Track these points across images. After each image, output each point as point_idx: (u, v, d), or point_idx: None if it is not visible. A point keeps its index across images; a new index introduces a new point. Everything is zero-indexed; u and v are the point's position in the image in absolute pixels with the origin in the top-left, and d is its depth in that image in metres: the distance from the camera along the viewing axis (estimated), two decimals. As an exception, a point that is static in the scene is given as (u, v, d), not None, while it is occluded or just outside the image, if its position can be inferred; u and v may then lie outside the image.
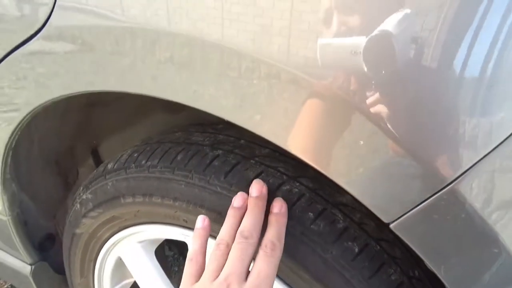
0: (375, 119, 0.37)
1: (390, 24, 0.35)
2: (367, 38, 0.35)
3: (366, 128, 0.38)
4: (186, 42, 0.45)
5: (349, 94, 0.38)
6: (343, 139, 0.40)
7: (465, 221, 0.36)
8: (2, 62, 0.63)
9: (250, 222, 0.50)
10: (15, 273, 0.96)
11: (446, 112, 0.36)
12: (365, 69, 0.36)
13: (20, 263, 0.93)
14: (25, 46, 0.58)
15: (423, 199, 0.37)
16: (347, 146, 0.40)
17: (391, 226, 0.39)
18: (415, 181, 0.37)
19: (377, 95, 0.37)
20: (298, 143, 0.42)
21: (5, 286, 1.41)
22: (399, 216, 0.39)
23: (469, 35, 0.34)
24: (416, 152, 0.37)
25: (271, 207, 0.52)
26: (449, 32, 0.34)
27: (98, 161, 1.05)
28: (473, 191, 0.36)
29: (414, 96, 0.36)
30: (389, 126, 0.37)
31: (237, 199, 0.53)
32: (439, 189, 0.36)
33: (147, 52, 0.48)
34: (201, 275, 0.51)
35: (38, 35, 0.55)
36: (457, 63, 0.35)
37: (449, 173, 0.36)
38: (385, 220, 0.40)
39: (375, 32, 0.35)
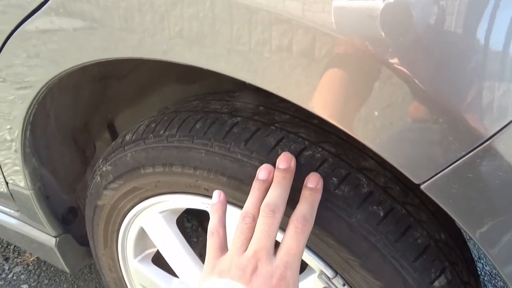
0: (402, 77, 0.36)
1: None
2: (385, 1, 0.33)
3: (394, 86, 0.36)
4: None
5: (371, 53, 0.36)
6: (370, 100, 0.38)
7: (502, 179, 0.35)
8: (10, 38, 0.62)
9: (277, 194, 0.49)
10: (41, 245, 0.99)
11: (479, 67, 0.34)
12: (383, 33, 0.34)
13: (45, 236, 0.96)
14: (31, 19, 0.56)
15: (457, 158, 0.35)
16: (375, 106, 0.38)
17: (422, 187, 0.38)
18: (448, 139, 0.35)
19: (401, 52, 0.35)
20: (324, 105, 0.41)
21: (31, 259, 1.46)
22: (430, 176, 0.37)
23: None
24: (450, 108, 0.35)
25: (305, 181, 0.51)
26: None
27: (114, 135, 1.05)
28: (511, 149, 0.35)
29: (443, 52, 0.34)
30: (418, 82, 0.35)
31: (262, 171, 0.52)
32: (474, 146, 0.34)
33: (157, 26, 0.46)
34: (224, 247, 0.51)
35: (44, 7, 0.53)
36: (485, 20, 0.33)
37: (485, 129, 0.34)
38: (416, 181, 0.38)
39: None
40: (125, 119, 1.06)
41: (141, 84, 0.98)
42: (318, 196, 0.50)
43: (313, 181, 0.50)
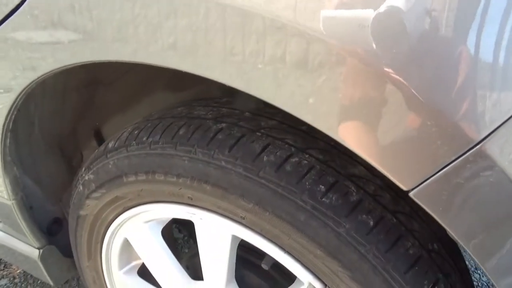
0: (390, 82, 0.34)
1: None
2: (376, 11, 0.32)
3: (384, 92, 0.34)
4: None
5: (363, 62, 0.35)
6: (358, 106, 0.36)
7: (493, 185, 0.33)
8: None
9: None
10: (25, 258, 0.95)
11: (469, 72, 0.33)
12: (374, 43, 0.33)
13: (29, 248, 0.93)
14: (7, 21, 0.54)
15: (447, 163, 0.34)
16: (362, 112, 0.36)
17: (411, 194, 0.36)
18: (438, 144, 0.34)
19: (394, 61, 0.33)
20: (314, 113, 0.39)
21: (18, 271, 1.42)
22: (419, 182, 0.35)
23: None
24: (439, 111, 0.33)
25: None
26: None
27: (101, 143, 1.03)
28: (502, 153, 0.33)
29: (431, 59, 0.33)
30: (407, 87, 0.34)
31: None
32: (464, 150, 0.33)
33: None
34: None
35: (21, 8, 0.52)
36: (473, 29, 0.32)
37: (476, 133, 0.32)
38: (404, 187, 0.36)
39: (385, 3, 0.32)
40: (112, 127, 1.03)
41: (129, 91, 0.96)
42: None
43: None
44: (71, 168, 1.01)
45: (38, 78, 0.58)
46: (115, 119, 1.01)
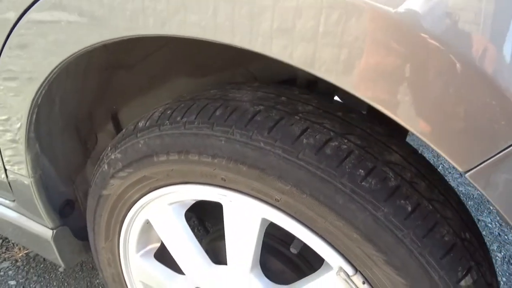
0: (458, 63, 0.34)
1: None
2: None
3: (447, 72, 0.35)
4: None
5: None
6: (417, 85, 0.37)
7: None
8: (17, 25, 0.61)
9: None
10: (36, 238, 0.94)
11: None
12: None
13: (42, 228, 0.92)
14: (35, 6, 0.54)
15: (507, 145, 0.34)
16: (421, 91, 0.37)
17: (468, 175, 0.37)
18: (499, 125, 0.34)
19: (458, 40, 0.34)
20: (370, 89, 0.39)
21: (20, 254, 1.41)
22: (478, 164, 0.36)
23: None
24: (505, 93, 0.33)
25: None
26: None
27: (118, 127, 1.02)
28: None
29: (499, 41, 0.34)
30: (475, 68, 0.34)
31: None
32: (528, 132, 0.33)
33: None
34: None
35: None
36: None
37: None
38: (461, 168, 0.37)
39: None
40: (130, 111, 1.03)
41: (150, 75, 0.96)
42: None
43: None
44: (86, 150, 1.01)
45: (71, 55, 0.58)
46: (133, 103, 1.00)
